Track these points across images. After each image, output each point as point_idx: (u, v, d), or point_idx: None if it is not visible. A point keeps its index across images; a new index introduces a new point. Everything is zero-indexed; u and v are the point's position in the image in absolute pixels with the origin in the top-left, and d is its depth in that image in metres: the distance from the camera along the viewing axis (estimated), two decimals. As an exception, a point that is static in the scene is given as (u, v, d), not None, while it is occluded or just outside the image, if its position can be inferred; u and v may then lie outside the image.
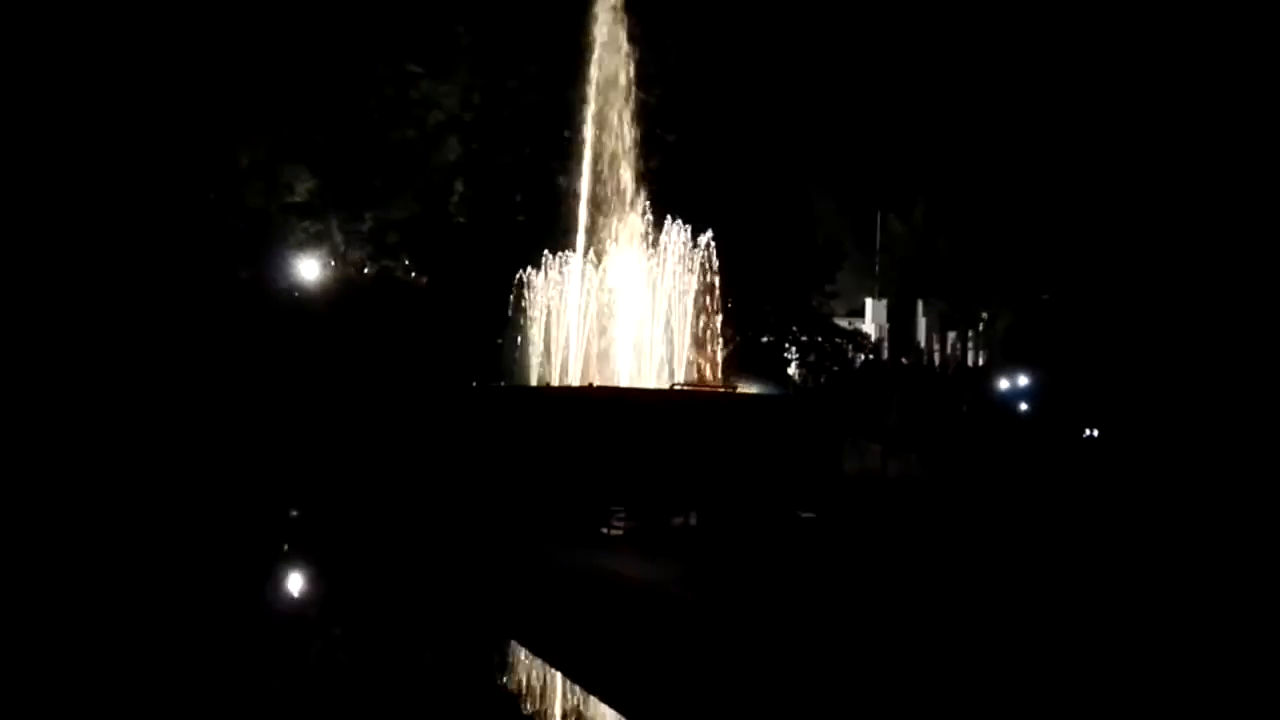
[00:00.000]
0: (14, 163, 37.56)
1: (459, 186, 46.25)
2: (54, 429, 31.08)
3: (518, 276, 37.36)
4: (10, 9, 38.48)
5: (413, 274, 46.29)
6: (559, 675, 13.69)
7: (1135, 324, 48.25)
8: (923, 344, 59.33)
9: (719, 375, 39.17)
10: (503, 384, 36.72)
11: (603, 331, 37.72)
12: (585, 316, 37.62)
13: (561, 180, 40.72)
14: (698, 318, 37.61)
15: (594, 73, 38.22)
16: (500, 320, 37.83)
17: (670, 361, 36.11)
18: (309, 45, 43.68)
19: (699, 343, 37.79)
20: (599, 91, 38.90)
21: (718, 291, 37.80)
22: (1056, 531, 23.35)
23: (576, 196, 38.80)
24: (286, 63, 43.11)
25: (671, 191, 39.32)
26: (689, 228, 35.58)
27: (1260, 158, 45.50)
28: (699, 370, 36.71)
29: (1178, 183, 48.02)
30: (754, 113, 49.45)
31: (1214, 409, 41.94)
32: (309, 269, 43.77)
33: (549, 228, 38.30)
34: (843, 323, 56.35)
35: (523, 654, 14.83)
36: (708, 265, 36.58)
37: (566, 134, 40.43)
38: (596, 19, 37.91)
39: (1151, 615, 14.16)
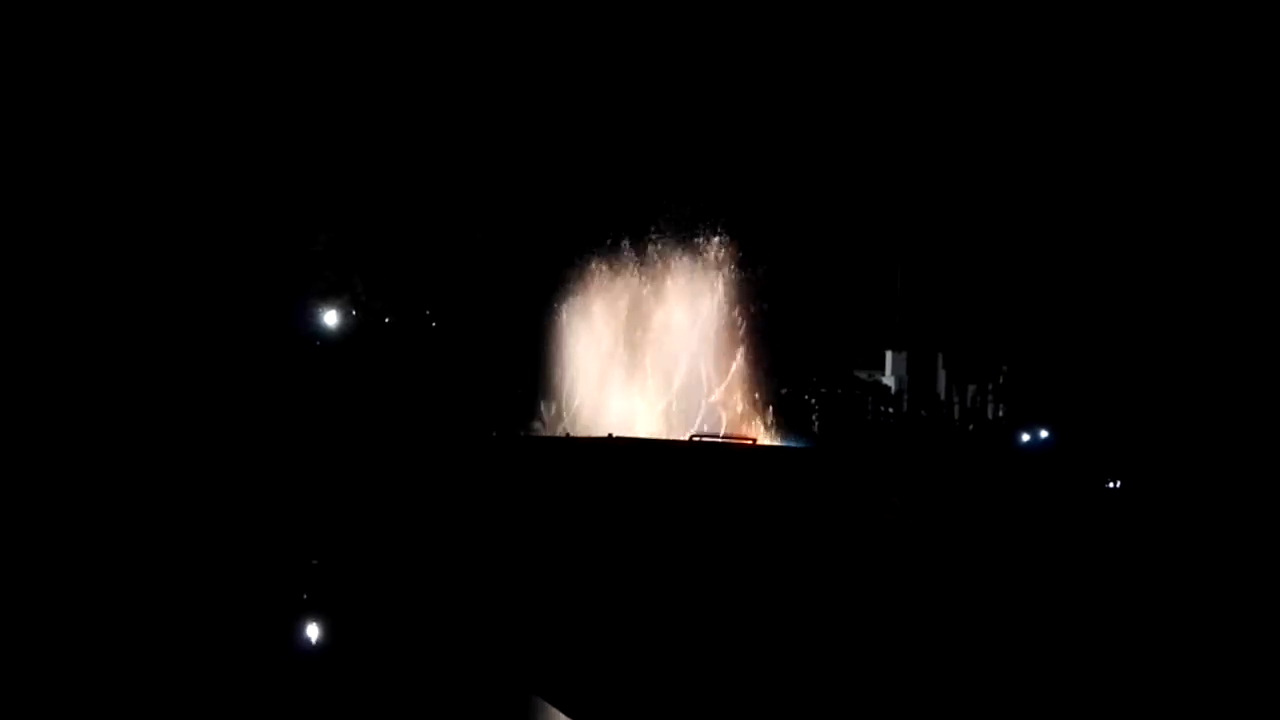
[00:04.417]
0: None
1: (479, 236, 46.49)
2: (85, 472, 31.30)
3: (538, 326, 37.51)
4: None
5: (433, 323, 46.41)
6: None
7: (1157, 372, 48.01)
8: (943, 396, 58.98)
9: (738, 426, 39.09)
10: (523, 433, 36.74)
11: (624, 381, 37.78)
12: (606, 366, 37.69)
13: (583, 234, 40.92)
14: (718, 369, 37.61)
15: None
16: (521, 369, 37.93)
17: (691, 412, 36.11)
18: (326, 97, 44.24)
19: (719, 393, 37.74)
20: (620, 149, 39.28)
21: (738, 342, 37.84)
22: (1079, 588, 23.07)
23: (597, 250, 39.02)
24: (303, 115, 43.65)
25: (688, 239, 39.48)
26: (714, 278, 35.65)
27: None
28: (719, 421, 36.64)
29: (1190, 223, 48.10)
30: (772, 165, 49.68)
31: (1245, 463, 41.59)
32: (330, 317, 43.99)
33: (570, 279, 38.48)
34: (862, 374, 56.07)
35: (549, 710, 14.66)
36: (729, 317, 36.65)
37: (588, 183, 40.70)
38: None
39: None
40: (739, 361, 40.07)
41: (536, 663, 17.20)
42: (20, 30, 39.91)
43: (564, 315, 38.18)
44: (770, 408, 44.15)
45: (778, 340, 47.43)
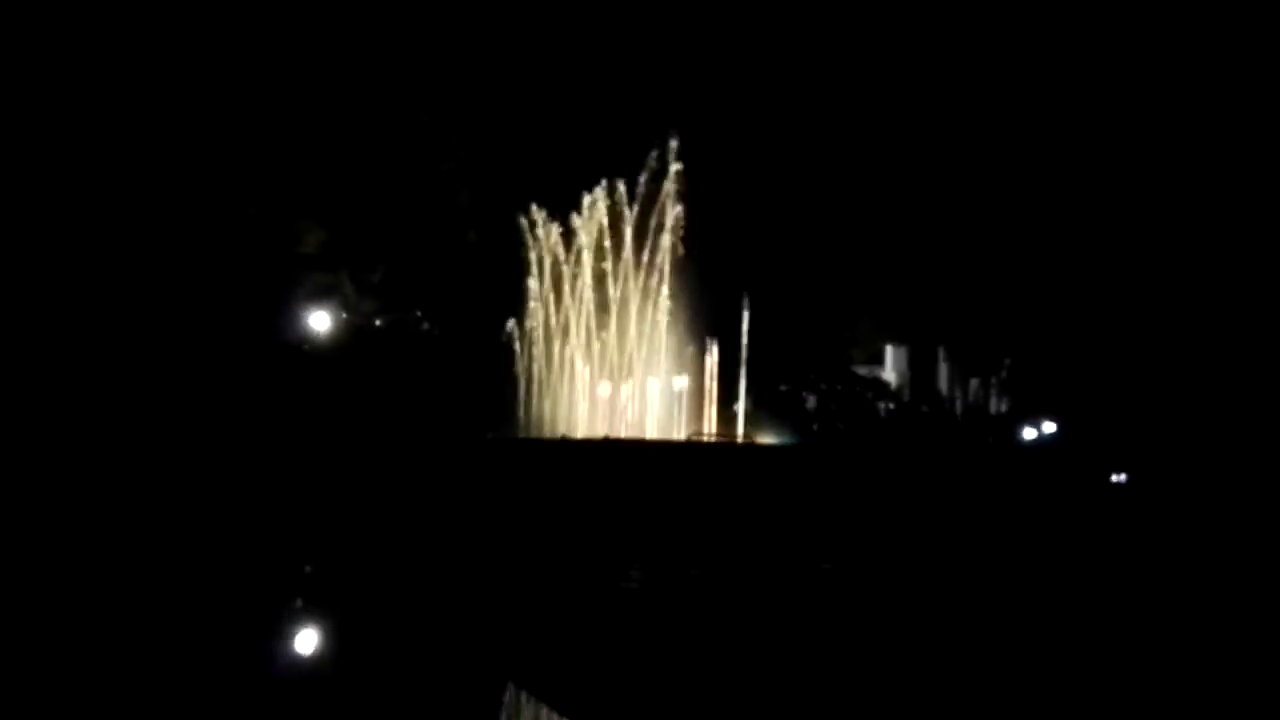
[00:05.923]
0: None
1: (471, 235, 46.07)
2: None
3: (530, 326, 37.14)
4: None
5: (424, 325, 45.90)
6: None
7: (1161, 365, 47.66)
8: (944, 391, 58.46)
9: (737, 425, 38.61)
10: (517, 436, 36.34)
11: (617, 382, 37.34)
12: (598, 367, 37.24)
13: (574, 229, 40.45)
14: (716, 366, 37.13)
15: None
16: (513, 371, 37.51)
17: (687, 411, 35.71)
18: (318, 96, 43.88)
19: (716, 392, 37.29)
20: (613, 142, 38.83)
21: (736, 339, 37.39)
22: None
23: (588, 245, 38.61)
24: (296, 113, 43.26)
25: (687, 240, 39.09)
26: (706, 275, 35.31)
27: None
28: (717, 420, 36.21)
29: (1194, 219, 47.83)
30: (771, 163, 49.31)
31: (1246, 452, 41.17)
32: (320, 321, 43.32)
33: (562, 280, 38.07)
34: (862, 370, 55.54)
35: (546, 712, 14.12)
36: (727, 314, 36.20)
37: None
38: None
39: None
40: (736, 360, 39.64)
41: (531, 661, 16.73)
42: (14, 30, 39.64)
43: (556, 318, 37.84)
44: (768, 406, 43.70)
45: (777, 337, 46.95)
